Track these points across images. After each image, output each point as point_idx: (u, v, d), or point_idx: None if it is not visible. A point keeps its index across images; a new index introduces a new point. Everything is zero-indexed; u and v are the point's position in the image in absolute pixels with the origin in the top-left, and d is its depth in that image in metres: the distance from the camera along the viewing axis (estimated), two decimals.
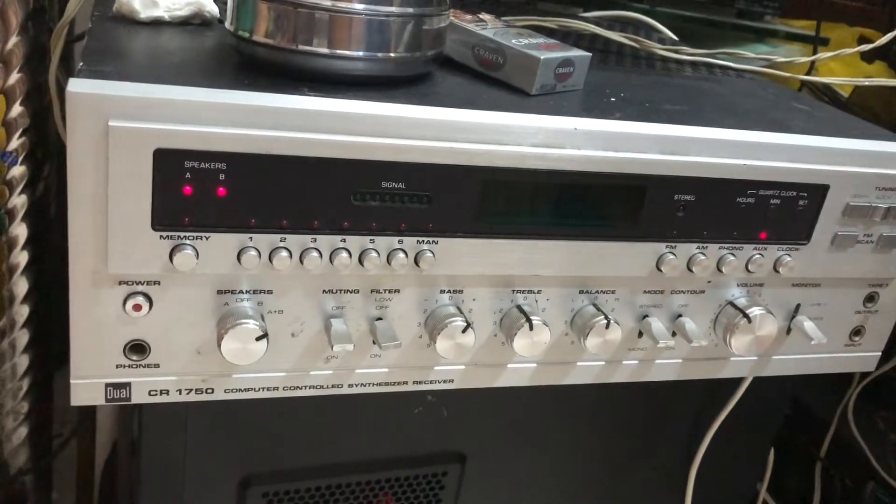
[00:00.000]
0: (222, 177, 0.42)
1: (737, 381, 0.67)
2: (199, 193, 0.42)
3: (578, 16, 0.87)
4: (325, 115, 0.43)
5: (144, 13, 0.52)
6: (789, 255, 0.55)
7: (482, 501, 0.68)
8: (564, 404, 0.66)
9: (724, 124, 0.52)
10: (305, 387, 0.51)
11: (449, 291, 0.51)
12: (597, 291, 0.54)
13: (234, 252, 0.44)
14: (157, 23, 0.53)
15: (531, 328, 0.51)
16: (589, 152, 0.48)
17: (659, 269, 0.53)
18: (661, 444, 0.72)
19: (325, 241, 0.46)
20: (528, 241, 0.49)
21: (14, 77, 0.61)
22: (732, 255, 0.54)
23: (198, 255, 0.43)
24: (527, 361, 0.54)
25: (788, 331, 0.59)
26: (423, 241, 0.47)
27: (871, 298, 0.61)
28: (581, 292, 0.53)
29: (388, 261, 0.47)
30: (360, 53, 0.46)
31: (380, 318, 0.50)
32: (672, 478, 0.73)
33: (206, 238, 0.44)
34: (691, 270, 0.53)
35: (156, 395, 0.48)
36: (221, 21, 0.55)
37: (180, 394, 0.48)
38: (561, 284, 0.53)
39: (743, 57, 0.73)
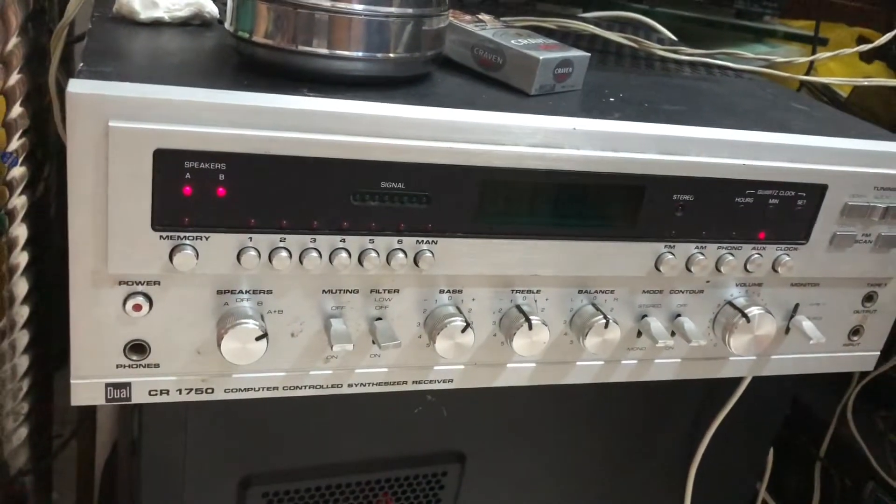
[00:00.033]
0: (222, 177, 0.42)
1: (736, 381, 0.67)
2: (199, 193, 0.42)
3: (577, 16, 0.87)
4: (325, 115, 0.43)
5: (144, 14, 0.52)
6: (788, 254, 0.55)
7: (482, 501, 0.68)
8: (564, 404, 0.66)
9: (722, 124, 0.52)
10: (305, 386, 0.51)
11: (448, 291, 0.51)
12: (596, 291, 0.54)
13: (234, 252, 0.44)
14: (157, 23, 0.53)
15: (530, 328, 0.51)
16: (588, 152, 0.48)
17: (658, 269, 0.53)
18: (661, 444, 0.72)
19: (325, 242, 0.46)
20: (528, 241, 0.50)
21: (14, 78, 0.61)
22: (731, 254, 0.54)
23: (198, 255, 0.44)
24: (526, 361, 0.54)
25: (787, 330, 0.59)
26: (422, 241, 0.47)
27: (869, 298, 0.61)
28: (580, 292, 0.53)
29: (388, 261, 0.47)
30: (360, 54, 0.46)
31: (379, 318, 0.50)
32: (671, 477, 0.73)
33: (206, 238, 0.44)
34: (690, 270, 0.53)
35: (156, 394, 0.48)
36: (221, 22, 0.55)
37: (180, 393, 0.48)
38: (560, 284, 0.53)
39: (742, 57, 0.73)
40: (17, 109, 0.62)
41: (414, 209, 0.46)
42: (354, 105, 0.44)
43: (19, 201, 0.64)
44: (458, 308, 0.51)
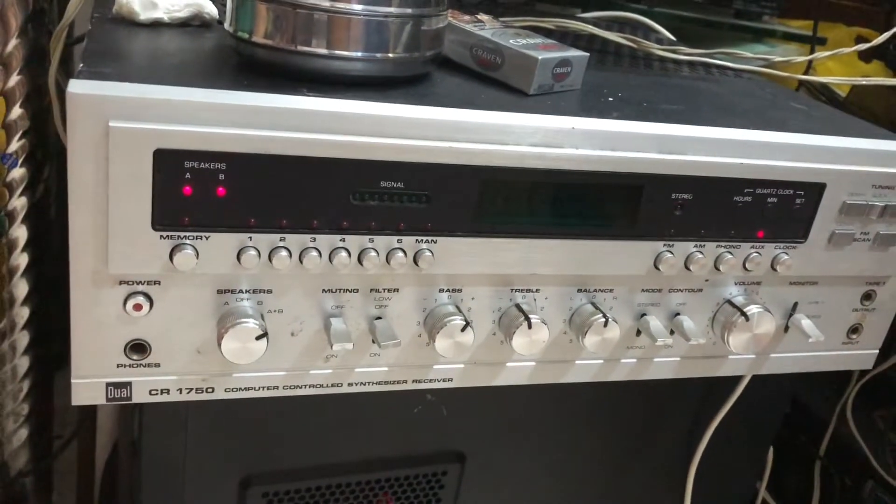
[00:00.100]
0: (222, 177, 0.43)
1: (735, 381, 0.67)
2: (199, 193, 0.43)
3: (576, 16, 0.87)
4: (324, 115, 0.43)
5: (144, 15, 0.52)
6: (787, 253, 0.55)
7: (482, 501, 0.68)
8: (564, 404, 0.66)
9: (721, 124, 0.52)
10: (305, 386, 0.51)
11: (448, 290, 0.51)
12: (595, 290, 0.54)
13: (234, 252, 0.44)
14: (156, 24, 0.53)
15: (530, 327, 0.51)
16: (587, 152, 0.48)
17: (657, 268, 0.53)
18: (661, 443, 0.72)
19: (325, 241, 0.46)
20: (527, 241, 0.50)
21: (14, 79, 0.61)
22: (730, 253, 0.54)
23: (198, 254, 0.44)
24: (526, 360, 0.55)
25: (786, 329, 0.59)
26: (421, 240, 0.47)
27: (868, 296, 0.61)
28: (579, 291, 0.53)
29: (388, 260, 0.47)
30: (359, 54, 0.46)
31: (379, 318, 0.50)
32: (671, 477, 0.73)
33: (206, 238, 0.44)
34: (689, 269, 0.53)
35: (156, 394, 0.48)
36: (220, 22, 0.55)
37: (181, 393, 0.48)
38: (559, 283, 0.53)
39: (741, 57, 0.74)
40: (16, 111, 0.62)
41: (413, 208, 0.46)
42: (354, 105, 0.44)
43: (19, 202, 0.64)
44: (457, 307, 0.51)
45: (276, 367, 0.49)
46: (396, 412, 0.61)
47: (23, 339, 0.68)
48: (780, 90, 0.70)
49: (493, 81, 0.54)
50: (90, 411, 0.90)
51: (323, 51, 0.45)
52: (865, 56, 0.97)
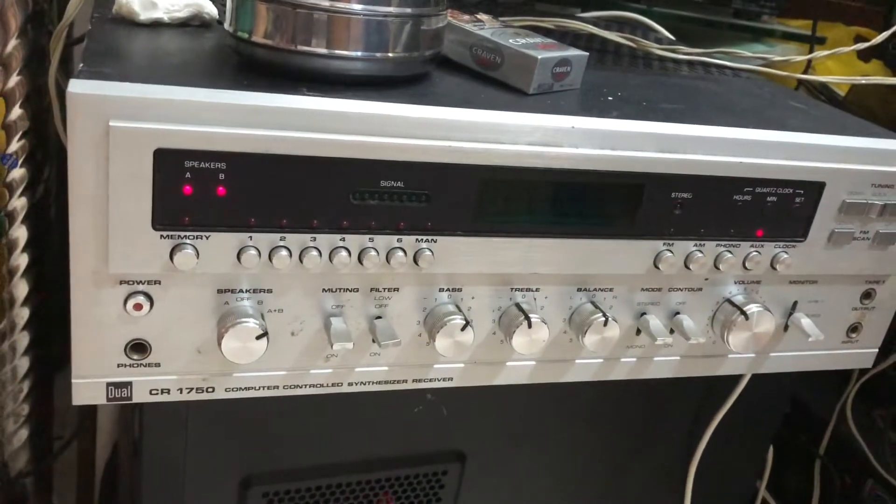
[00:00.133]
0: (222, 176, 0.43)
1: (735, 380, 0.67)
2: (199, 193, 0.43)
3: (576, 16, 0.87)
4: (324, 114, 0.43)
5: (144, 15, 0.53)
6: (786, 252, 0.55)
7: (482, 500, 0.68)
8: (564, 403, 0.66)
9: (721, 123, 0.52)
10: (305, 385, 0.51)
11: (448, 290, 0.51)
12: (595, 289, 0.54)
13: (234, 251, 0.45)
14: (156, 24, 0.53)
15: (530, 326, 0.51)
16: (586, 151, 0.48)
17: (656, 267, 0.53)
18: (661, 443, 0.72)
19: (325, 240, 0.46)
20: (527, 240, 0.50)
21: (14, 80, 0.61)
22: (730, 252, 0.54)
23: (198, 254, 0.44)
24: (526, 359, 0.55)
25: (786, 328, 0.60)
26: (421, 239, 0.47)
27: (867, 295, 0.61)
28: (579, 290, 0.53)
29: (388, 259, 0.47)
30: (359, 53, 0.46)
31: (379, 317, 0.50)
32: (671, 476, 0.73)
33: (207, 237, 0.44)
34: (689, 268, 0.53)
35: (157, 394, 0.48)
36: (220, 22, 0.55)
37: (181, 393, 0.48)
38: (559, 282, 0.53)
39: (740, 56, 0.74)
40: (16, 111, 0.62)
41: (413, 208, 0.46)
42: (354, 104, 0.44)
43: (19, 203, 0.64)
44: (457, 306, 0.51)
45: (277, 367, 0.49)
46: (397, 412, 0.61)
47: (23, 339, 0.68)
48: (780, 89, 0.70)
49: (492, 81, 0.54)
50: (90, 412, 0.90)
51: (323, 50, 0.45)
52: (864, 55, 0.97)
